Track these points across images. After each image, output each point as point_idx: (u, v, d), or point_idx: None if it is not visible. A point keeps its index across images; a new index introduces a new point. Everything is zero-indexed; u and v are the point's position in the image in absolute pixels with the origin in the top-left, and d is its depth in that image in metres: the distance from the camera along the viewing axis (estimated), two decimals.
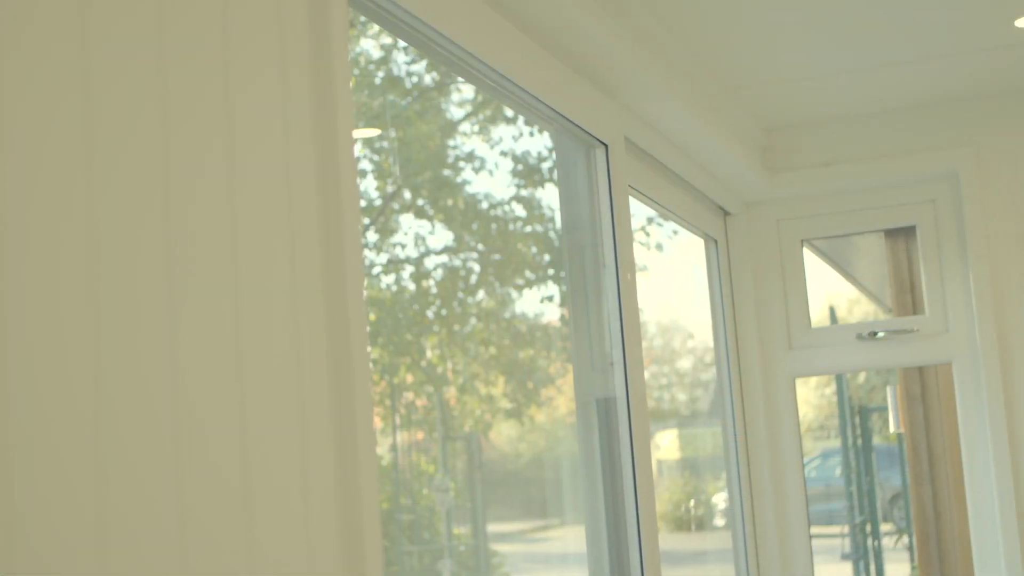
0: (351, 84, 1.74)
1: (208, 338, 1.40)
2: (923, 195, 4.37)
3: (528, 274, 10.82)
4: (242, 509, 1.42)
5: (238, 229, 1.47)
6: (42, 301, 1.18)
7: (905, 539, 12.43)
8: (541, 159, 10.91)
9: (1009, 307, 4.18)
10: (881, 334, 4.37)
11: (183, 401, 1.34)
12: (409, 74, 10.41)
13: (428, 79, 10.56)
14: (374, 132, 9.95)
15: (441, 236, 10.82)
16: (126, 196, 1.30)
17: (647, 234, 11.47)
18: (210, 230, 1.43)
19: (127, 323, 1.28)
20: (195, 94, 1.43)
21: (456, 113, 11.11)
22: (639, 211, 11.31)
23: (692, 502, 14.33)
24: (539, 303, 11.59)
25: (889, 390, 7.76)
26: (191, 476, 1.34)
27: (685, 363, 17.14)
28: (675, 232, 11.43)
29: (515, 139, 11.25)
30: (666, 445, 15.72)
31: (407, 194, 10.47)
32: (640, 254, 11.02)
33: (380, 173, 10.20)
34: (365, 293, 1.71)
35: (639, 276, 3.18)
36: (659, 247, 11.60)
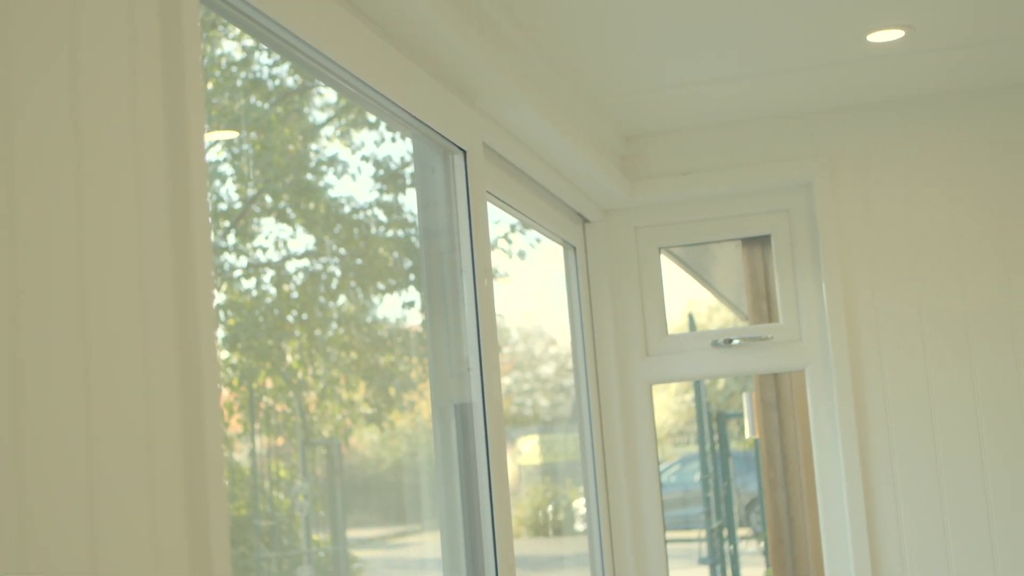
0: (208, 86, 1.72)
1: (52, 337, 1.37)
2: (778, 205, 4.45)
3: (390, 279, 10.77)
4: (86, 516, 1.39)
5: (84, 232, 1.45)
6: None
7: (761, 543, 12.62)
8: (404, 164, 10.88)
9: (860, 316, 4.26)
10: (736, 341, 4.43)
11: (25, 402, 1.31)
12: (272, 77, 10.31)
13: (291, 82, 10.47)
14: (233, 134, 9.83)
15: (302, 240, 10.72)
16: None
17: (509, 241, 11.50)
18: (55, 232, 1.40)
19: None
20: (41, 92, 1.40)
21: (318, 117, 11.03)
22: (503, 219, 11.34)
23: (551, 507, 14.39)
24: (401, 308, 11.55)
25: (745, 397, 7.87)
26: (33, 479, 1.31)
27: (547, 369, 17.21)
28: (538, 240, 11.46)
29: (377, 144, 11.20)
30: (528, 451, 15.77)
31: (268, 198, 10.37)
32: (503, 261, 11.06)
33: (241, 176, 10.08)
34: (222, 297, 1.69)
35: (501, 283, 3.19)
36: (521, 255, 11.63)
